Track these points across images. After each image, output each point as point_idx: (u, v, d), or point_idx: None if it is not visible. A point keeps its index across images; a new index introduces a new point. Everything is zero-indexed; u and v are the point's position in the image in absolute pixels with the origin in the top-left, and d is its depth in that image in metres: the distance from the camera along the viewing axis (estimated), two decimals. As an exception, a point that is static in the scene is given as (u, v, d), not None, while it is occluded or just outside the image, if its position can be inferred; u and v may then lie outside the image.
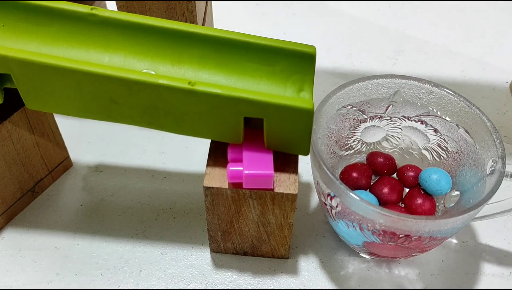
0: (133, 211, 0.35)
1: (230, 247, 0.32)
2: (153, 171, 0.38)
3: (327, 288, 0.31)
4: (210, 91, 0.25)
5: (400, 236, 0.26)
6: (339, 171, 0.33)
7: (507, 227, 0.35)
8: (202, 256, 0.33)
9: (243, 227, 0.30)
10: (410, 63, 0.47)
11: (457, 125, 0.31)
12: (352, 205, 0.26)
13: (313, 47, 0.28)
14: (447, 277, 0.32)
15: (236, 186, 0.27)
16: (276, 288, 0.31)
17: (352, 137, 0.33)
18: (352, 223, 0.27)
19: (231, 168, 0.27)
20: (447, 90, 0.31)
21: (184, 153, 0.39)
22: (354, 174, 0.32)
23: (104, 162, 0.38)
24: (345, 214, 0.27)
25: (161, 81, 0.25)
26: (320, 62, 0.46)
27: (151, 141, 0.39)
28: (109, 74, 0.25)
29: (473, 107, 0.30)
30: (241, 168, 0.27)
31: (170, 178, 0.37)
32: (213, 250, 0.33)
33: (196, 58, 0.28)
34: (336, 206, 0.28)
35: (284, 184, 0.28)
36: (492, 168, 0.28)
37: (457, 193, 0.31)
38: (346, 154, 0.33)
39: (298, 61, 0.28)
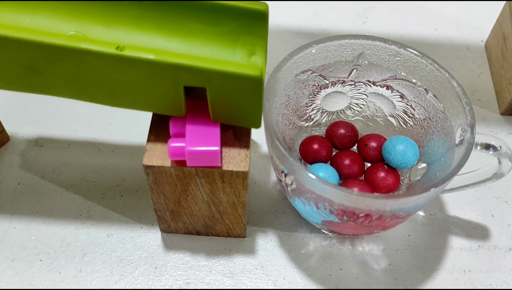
0: (76, 189, 0.32)
1: (181, 227, 0.30)
2: (100, 145, 0.34)
3: (286, 267, 0.29)
4: (141, 56, 0.22)
5: (360, 215, 0.24)
6: (299, 143, 0.30)
7: (477, 198, 0.33)
8: (151, 237, 0.30)
9: (192, 206, 0.28)
10: (381, 21, 0.43)
11: (425, 89, 0.29)
12: (307, 183, 0.24)
13: (265, 4, 0.25)
14: (413, 253, 0.30)
15: (180, 163, 0.25)
16: (231, 270, 0.29)
17: (311, 105, 0.30)
18: (309, 202, 0.25)
19: (172, 144, 0.24)
20: (415, 52, 0.28)
21: (134, 124, 0.35)
22: (315, 146, 0.29)
23: (45, 135, 0.35)
24: (301, 192, 0.25)
25: (84, 45, 0.22)
26: (284, 21, 0.43)
27: (97, 111, 0.36)
28: (23, 38, 0.22)
29: (442, 70, 0.27)
30: (183, 144, 0.24)
31: (118, 152, 0.34)
32: (163, 231, 0.30)
33: (133, 18, 0.25)
34: (291, 184, 0.25)
35: (233, 160, 0.25)
36: (461, 138, 0.26)
37: (423, 165, 0.28)
38: (307, 125, 0.31)
39: (249, 20, 0.25)
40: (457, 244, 0.31)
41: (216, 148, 0.24)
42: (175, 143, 0.24)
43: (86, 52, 0.22)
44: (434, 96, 0.28)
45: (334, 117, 0.31)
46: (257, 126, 0.25)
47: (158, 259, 0.30)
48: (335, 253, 0.30)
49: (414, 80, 0.29)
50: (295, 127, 0.30)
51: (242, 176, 0.25)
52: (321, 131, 0.31)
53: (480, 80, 0.39)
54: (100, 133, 0.35)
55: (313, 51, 0.29)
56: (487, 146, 0.25)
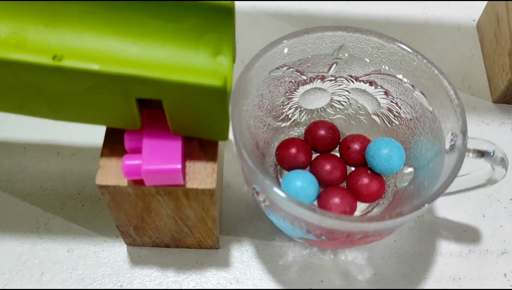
0: (33, 199, 0.29)
1: (148, 241, 0.27)
2: (59, 147, 0.31)
3: (263, 281, 0.27)
4: (83, 67, 0.19)
5: (339, 236, 0.21)
6: (275, 146, 0.27)
7: (467, 197, 0.31)
8: (116, 251, 0.28)
9: (157, 221, 0.25)
10: (366, 0, 0.40)
11: (412, 86, 0.26)
12: (279, 202, 0.21)
13: (231, -2, 0.21)
14: (399, 260, 0.28)
15: (138, 182, 0.22)
16: (203, 286, 0.27)
17: (288, 104, 0.28)
18: (284, 220, 0.23)
19: (127, 162, 0.21)
20: (401, 45, 0.25)
21: (96, 123, 0.32)
22: (292, 150, 0.27)
23: (-2, 139, 0.32)
24: (275, 211, 0.22)
25: (14, 55, 0.19)
26: (260, 2, 0.39)
27: (55, 110, 0.33)
28: None
29: (431, 66, 0.25)
30: (139, 162, 0.21)
31: (80, 155, 0.31)
32: (129, 244, 0.28)
33: (78, 15, 0.21)
34: (264, 201, 0.22)
35: (198, 176, 0.22)
36: (452, 143, 0.23)
37: (410, 170, 0.26)
38: (284, 125, 0.28)
39: (213, 16, 0.22)
40: (446, 249, 0.29)
41: (178, 165, 0.21)
42: (130, 161, 0.21)
43: (17, 63, 0.19)
44: (422, 93, 0.26)
45: (314, 115, 0.29)
46: (224, 138, 0.22)
47: (124, 276, 0.27)
48: (316, 264, 0.28)
49: (400, 76, 0.26)
50: (270, 129, 0.27)
51: (209, 193, 0.22)
52: (300, 131, 0.29)
53: (471, 64, 0.37)
54: (59, 135, 0.32)
55: (289, 45, 0.25)
56: (480, 153, 0.23)
